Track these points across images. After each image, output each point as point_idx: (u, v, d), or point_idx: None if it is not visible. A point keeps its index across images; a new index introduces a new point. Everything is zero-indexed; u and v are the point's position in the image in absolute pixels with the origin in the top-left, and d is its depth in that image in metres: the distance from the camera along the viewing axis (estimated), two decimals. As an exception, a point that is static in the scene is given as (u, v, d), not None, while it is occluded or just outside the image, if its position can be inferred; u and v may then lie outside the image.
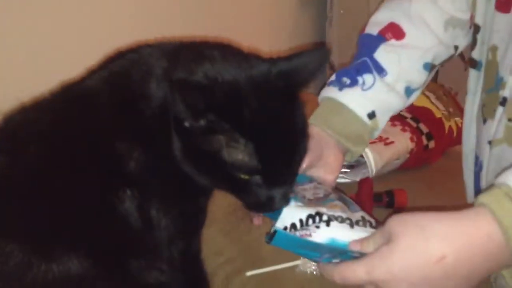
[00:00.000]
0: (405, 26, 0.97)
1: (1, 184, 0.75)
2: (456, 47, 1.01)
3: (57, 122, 0.78)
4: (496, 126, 0.85)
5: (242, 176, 0.75)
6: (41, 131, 0.77)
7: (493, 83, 0.87)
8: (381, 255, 0.66)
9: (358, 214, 0.78)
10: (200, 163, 0.76)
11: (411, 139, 1.40)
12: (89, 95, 0.80)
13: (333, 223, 0.73)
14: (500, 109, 0.85)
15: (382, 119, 0.96)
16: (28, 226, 0.73)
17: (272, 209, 0.78)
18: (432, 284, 0.65)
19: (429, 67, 0.98)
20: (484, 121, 0.89)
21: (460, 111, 1.57)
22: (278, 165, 0.76)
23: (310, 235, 0.73)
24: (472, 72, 0.96)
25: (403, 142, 1.38)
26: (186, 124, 0.73)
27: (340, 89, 0.94)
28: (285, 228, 0.74)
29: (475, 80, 0.96)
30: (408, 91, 0.97)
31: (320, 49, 0.83)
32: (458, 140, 1.51)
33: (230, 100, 0.72)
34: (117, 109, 0.78)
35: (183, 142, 0.75)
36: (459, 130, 1.51)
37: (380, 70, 0.95)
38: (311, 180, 0.89)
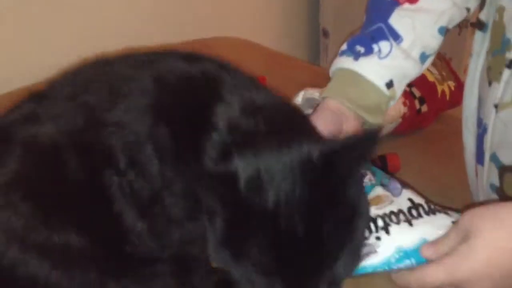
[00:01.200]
0: None
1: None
2: (468, 9, 0.98)
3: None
4: (503, 89, 0.83)
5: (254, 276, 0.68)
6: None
7: (500, 45, 0.86)
8: (461, 255, 0.64)
9: (404, 198, 0.74)
10: (223, 250, 0.71)
11: (404, 103, 1.38)
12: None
13: (392, 228, 0.70)
14: (506, 72, 0.83)
15: (399, 88, 0.94)
16: (43, 194, 0.74)
17: None
18: None
19: (444, 31, 0.95)
20: (490, 83, 0.87)
21: (453, 75, 1.55)
22: (298, 273, 0.67)
23: (375, 251, 0.69)
24: (478, 34, 0.94)
25: (395, 106, 1.35)
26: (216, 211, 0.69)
27: (355, 58, 0.91)
28: None
29: (480, 42, 0.94)
30: (423, 56, 0.95)
31: (369, 133, 0.73)
32: (451, 104, 1.51)
33: (255, 194, 0.67)
34: None
35: (210, 226, 0.71)
36: (452, 94, 1.49)
37: (396, 37, 0.92)
38: None
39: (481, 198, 0.97)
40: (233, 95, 0.78)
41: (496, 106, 0.85)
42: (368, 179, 0.79)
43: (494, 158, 0.88)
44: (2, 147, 0.77)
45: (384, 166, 1.26)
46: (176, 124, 0.77)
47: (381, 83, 0.91)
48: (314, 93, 1.28)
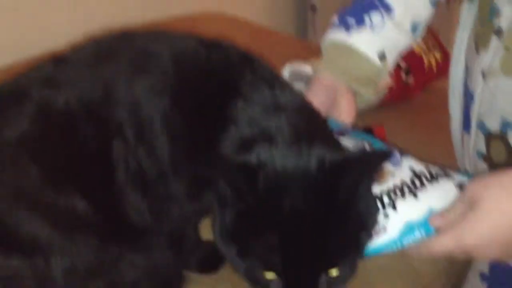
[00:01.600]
0: None
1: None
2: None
3: None
4: (491, 56, 0.84)
5: (257, 271, 0.70)
6: None
7: (488, 14, 0.85)
8: (468, 222, 0.66)
9: (405, 167, 0.75)
10: (228, 241, 0.72)
11: (390, 75, 1.38)
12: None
13: (398, 203, 0.71)
14: (494, 39, 0.83)
15: (391, 59, 0.94)
16: (52, 157, 0.75)
17: None
18: None
19: (434, 1, 0.95)
20: (477, 51, 0.88)
21: (440, 46, 1.55)
22: (300, 271, 0.69)
23: (385, 229, 0.70)
24: (466, 4, 0.94)
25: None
26: (228, 201, 0.70)
27: (347, 30, 0.91)
28: None
29: (467, 12, 0.94)
30: (415, 27, 0.95)
31: (381, 152, 0.76)
32: (437, 75, 1.51)
33: (271, 192, 0.68)
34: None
35: (220, 215, 0.72)
36: (439, 65, 1.49)
37: (387, 8, 0.91)
38: (336, 126, 0.86)
39: (468, 166, 0.97)
40: (254, 91, 0.77)
41: (483, 74, 0.86)
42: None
43: (481, 126, 0.88)
44: (17, 106, 0.77)
45: (370, 138, 1.26)
46: (192, 110, 0.77)
47: (373, 55, 0.91)
48: (300, 66, 1.28)
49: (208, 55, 0.81)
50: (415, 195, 0.72)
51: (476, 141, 0.90)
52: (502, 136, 0.84)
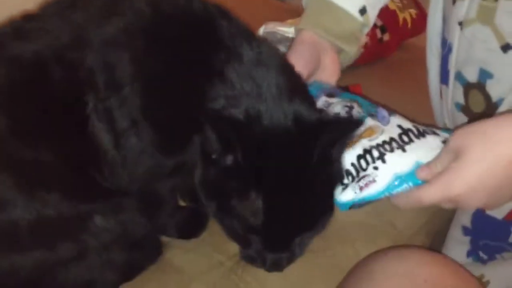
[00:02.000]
0: None
1: None
2: None
3: None
4: (467, 5, 0.83)
5: (241, 230, 0.72)
6: None
7: None
8: (454, 171, 0.67)
9: (393, 125, 0.77)
10: (210, 196, 0.74)
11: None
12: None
13: (387, 157, 0.73)
14: None
15: (372, 14, 0.93)
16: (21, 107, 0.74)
17: (263, 268, 0.75)
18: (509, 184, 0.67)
19: None
20: (454, 1, 0.87)
21: (414, 2, 1.53)
22: (281, 232, 0.71)
23: (374, 180, 0.72)
24: None
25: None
26: (214, 156, 0.70)
27: None
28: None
29: None
30: None
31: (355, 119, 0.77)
32: (413, 32, 1.50)
33: (258, 150, 0.68)
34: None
35: (204, 169, 0.73)
36: (414, 21, 1.48)
37: None
38: (323, 88, 0.87)
39: (446, 120, 0.98)
40: (236, 45, 0.75)
41: (460, 24, 0.85)
42: (356, 111, 0.80)
43: (459, 76, 0.88)
44: None
45: (347, 97, 1.25)
46: (170, 55, 0.74)
47: (354, 10, 0.90)
48: (275, 27, 1.26)
49: (186, 2, 0.78)
50: (403, 149, 0.73)
51: (455, 93, 0.91)
52: (480, 86, 0.85)
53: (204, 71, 0.73)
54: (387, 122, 0.78)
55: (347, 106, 0.81)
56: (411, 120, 0.80)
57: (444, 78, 0.94)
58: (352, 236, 0.94)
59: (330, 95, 0.85)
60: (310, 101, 0.79)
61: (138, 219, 0.82)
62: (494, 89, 0.84)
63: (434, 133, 0.77)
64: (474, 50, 0.84)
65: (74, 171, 0.75)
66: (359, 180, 0.73)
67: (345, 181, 0.75)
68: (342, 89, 1.24)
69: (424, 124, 0.79)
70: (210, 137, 0.69)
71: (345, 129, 0.72)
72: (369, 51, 1.39)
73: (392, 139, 0.74)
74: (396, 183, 0.72)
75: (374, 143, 0.74)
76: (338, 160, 0.74)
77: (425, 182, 0.71)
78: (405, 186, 0.72)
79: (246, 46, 0.75)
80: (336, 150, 0.73)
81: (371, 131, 0.76)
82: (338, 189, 0.75)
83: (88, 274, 0.79)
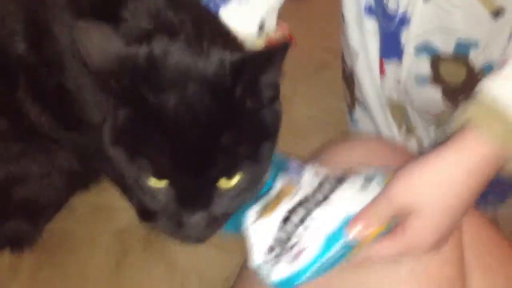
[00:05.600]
0: None
1: None
2: None
3: None
4: None
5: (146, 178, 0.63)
6: None
7: None
8: (415, 231, 0.62)
9: (309, 177, 0.68)
10: (119, 146, 0.64)
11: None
12: None
13: (311, 219, 0.62)
14: None
15: (272, 20, 0.86)
16: None
17: (179, 238, 0.66)
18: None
19: None
20: None
21: None
22: (192, 180, 0.62)
23: (304, 249, 0.61)
24: None
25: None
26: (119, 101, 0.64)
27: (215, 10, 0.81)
28: (270, 249, 0.62)
29: None
30: None
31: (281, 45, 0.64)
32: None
33: (163, 90, 0.61)
34: None
35: (113, 120, 0.65)
36: None
37: None
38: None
39: (384, 95, 0.95)
40: None
41: None
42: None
43: (425, 48, 0.83)
44: None
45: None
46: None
47: (252, 31, 0.83)
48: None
49: None
50: (325, 204, 0.64)
51: (413, 65, 0.87)
52: (460, 58, 0.82)
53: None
54: (301, 175, 0.68)
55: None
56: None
57: (391, 52, 0.89)
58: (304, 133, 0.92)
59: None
60: (233, 42, 0.73)
61: (71, 159, 0.85)
62: (479, 59, 0.80)
63: (354, 175, 0.67)
64: (453, 20, 0.78)
65: (6, 118, 0.78)
66: (290, 248, 0.62)
67: (274, 253, 0.62)
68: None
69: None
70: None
71: (270, 58, 0.63)
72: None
73: (310, 196, 0.65)
74: (329, 246, 0.61)
75: (290, 206, 0.64)
76: (267, 116, 0.66)
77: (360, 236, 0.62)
78: (340, 246, 0.61)
79: None
80: (266, 83, 0.64)
81: (286, 191, 0.67)
82: (268, 265, 0.62)
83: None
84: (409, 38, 0.84)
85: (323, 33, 1.37)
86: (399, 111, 0.96)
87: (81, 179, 0.96)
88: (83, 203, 1.02)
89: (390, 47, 0.89)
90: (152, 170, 0.62)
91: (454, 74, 0.85)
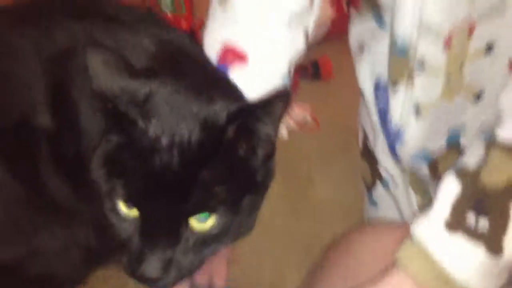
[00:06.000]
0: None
1: None
2: (306, 33, 0.83)
3: None
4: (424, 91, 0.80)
5: (120, 199, 0.62)
6: None
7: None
8: None
9: None
10: (102, 168, 0.64)
11: (331, 4, 1.32)
12: None
13: None
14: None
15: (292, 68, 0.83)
16: None
17: (135, 277, 0.62)
18: None
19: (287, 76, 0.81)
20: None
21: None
22: (161, 211, 0.60)
23: None
24: None
25: (322, 9, 1.30)
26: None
27: None
28: None
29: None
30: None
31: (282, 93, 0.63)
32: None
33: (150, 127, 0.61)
34: None
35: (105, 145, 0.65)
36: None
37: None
38: None
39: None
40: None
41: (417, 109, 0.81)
42: None
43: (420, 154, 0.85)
44: None
45: (316, 72, 1.21)
46: None
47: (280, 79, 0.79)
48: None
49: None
50: None
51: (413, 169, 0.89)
52: (453, 147, 0.83)
53: None
54: None
55: None
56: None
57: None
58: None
59: None
60: (234, 91, 0.71)
61: (88, 233, 0.79)
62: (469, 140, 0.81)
63: None
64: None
65: (28, 187, 0.74)
66: None
67: None
68: (312, 63, 1.19)
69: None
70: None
71: (269, 110, 0.62)
72: (336, 24, 1.35)
73: None
74: None
75: None
76: (265, 153, 0.65)
77: None
78: None
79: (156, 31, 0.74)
80: (261, 140, 0.63)
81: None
82: None
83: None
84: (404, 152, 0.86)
85: (345, 113, 1.35)
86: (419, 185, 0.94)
87: (99, 257, 0.92)
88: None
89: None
90: (123, 193, 0.61)
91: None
